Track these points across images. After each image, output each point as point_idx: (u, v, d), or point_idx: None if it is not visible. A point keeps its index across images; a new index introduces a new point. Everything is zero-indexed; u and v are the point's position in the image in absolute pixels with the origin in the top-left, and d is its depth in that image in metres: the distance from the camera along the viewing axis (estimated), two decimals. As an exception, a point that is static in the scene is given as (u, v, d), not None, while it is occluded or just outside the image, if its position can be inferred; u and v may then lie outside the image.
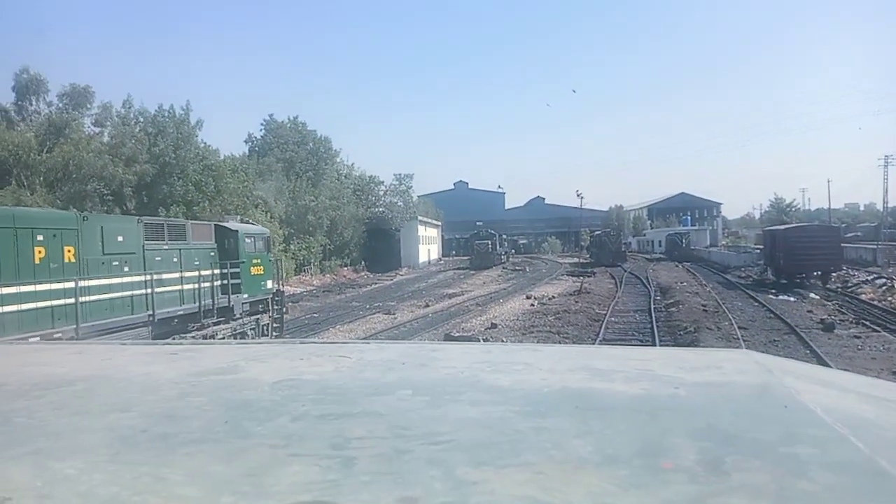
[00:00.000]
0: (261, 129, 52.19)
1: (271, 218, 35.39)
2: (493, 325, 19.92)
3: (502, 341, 15.76)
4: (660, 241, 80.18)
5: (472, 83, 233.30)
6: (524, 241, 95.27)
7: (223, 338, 15.07)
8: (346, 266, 49.58)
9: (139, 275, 12.98)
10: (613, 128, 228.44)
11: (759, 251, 47.27)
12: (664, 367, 1.91)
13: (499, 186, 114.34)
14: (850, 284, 31.71)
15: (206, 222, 17.60)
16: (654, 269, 48.46)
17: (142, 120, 29.68)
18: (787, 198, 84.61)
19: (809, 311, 22.59)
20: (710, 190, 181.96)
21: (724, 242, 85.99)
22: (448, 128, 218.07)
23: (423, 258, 61.07)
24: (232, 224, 17.39)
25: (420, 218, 61.18)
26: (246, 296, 16.45)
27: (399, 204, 57.26)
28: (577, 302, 26.13)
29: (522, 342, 16.11)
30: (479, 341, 14.48)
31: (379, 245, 54.21)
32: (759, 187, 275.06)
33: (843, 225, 62.66)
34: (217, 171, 28.34)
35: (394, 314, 24.43)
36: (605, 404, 1.50)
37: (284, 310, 18.98)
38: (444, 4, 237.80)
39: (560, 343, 16.16)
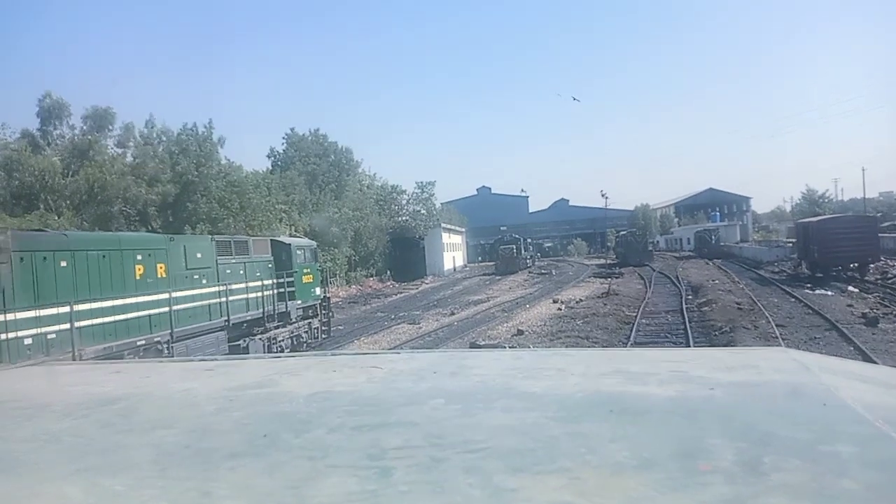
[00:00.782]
0: (282, 144, 52.52)
1: (295, 231, 35.53)
2: (520, 332, 19.54)
3: (529, 348, 15.38)
4: (689, 239, 78.94)
5: (491, 88, 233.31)
6: (550, 245, 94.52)
7: (283, 339, 17.30)
8: (371, 276, 49.54)
9: (214, 286, 14.81)
10: (636, 126, 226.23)
11: (791, 245, 46.11)
12: (698, 367, 1.87)
13: (522, 190, 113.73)
14: (889, 276, 30.58)
15: (263, 237, 19.45)
16: (683, 267, 47.52)
17: (164, 139, 30.06)
18: (819, 189, 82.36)
19: (849, 305, 21.74)
20: (738, 184, 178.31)
21: (754, 237, 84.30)
22: (469, 134, 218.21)
23: (448, 265, 60.79)
24: (285, 238, 19.64)
25: (443, 225, 60.93)
26: (299, 302, 18.29)
27: (422, 212, 57.10)
28: (605, 304, 25.59)
29: (550, 348, 15.70)
30: (505, 349, 14.16)
31: (403, 254, 54.11)
32: (790, 180, 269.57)
33: (879, 214, 60.77)
34: (240, 187, 28.50)
35: (418, 324, 24.18)
36: (640, 408, 1.48)
37: (331, 314, 21.00)
38: (460, 11, 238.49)
39: (590, 348, 15.72)
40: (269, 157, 52.38)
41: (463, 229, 75.32)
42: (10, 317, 10.11)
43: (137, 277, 12.80)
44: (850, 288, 26.58)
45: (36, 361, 8.77)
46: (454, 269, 62.61)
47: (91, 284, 11.70)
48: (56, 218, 23.88)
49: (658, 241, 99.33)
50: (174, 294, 13.33)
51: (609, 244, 73.24)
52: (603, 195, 78.54)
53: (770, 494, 0.94)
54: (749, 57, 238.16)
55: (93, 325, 11.46)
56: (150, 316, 12.84)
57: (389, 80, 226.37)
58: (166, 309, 13.08)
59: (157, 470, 1.25)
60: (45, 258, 11.14)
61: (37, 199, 23.19)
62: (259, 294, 16.26)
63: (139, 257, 13.04)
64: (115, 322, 11.99)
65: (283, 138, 52.54)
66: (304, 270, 18.74)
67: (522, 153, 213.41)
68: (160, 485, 1.16)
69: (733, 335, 17.20)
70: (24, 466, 1.35)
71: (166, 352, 12.99)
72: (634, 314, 22.72)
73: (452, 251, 65.82)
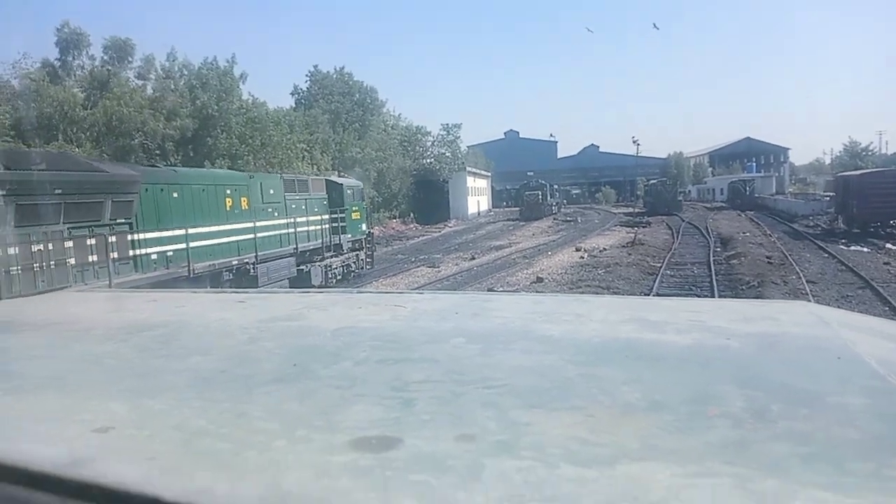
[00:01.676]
0: (306, 81, 51.41)
1: (317, 170, 35.08)
2: (539, 279, 19.09)
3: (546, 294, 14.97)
4: (721, 189, 76.89)
5: (522, 29, 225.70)
6: (577, 192, 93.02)
7: (336, 267, 19.67)
8: (394, 218, 49.25)
9: (283, 219, 16.94)
10: (672, 70, 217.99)
11: (829, 199, 44.47)
12: (717, 318, 1.87)
13: (550, 135, 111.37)
14: (932, 234, 29.23)
15: (319, 177, 21.89)
16: (714, 218, 46.25)
17: (186, 73, 29.41)
18: (863, 141, 78.72)
19: (886, 264, 20.78)
20: (777, 134, 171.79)
21: (790, 190, 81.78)
22: (498, 77, 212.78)
23: (472, 210, 60.17)
24: (336, 179, 21.95)
25: (469, 169, 59.92)
26: (349, 236, 20.59)
27: (447, 155, 56.04)
28: (629, 254, 24.94)
29: (570, 294, 15.27)
30: (526, 294, 13.80)
31: (427, 196, 53.50)
32: (831, 131, 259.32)
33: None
34: (261, 123, 27.91)
35: (437, 267, 23.87)
36: (655, 354, 1.50)
37: (374, 247, 23.77)
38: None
39: (610, 295, 15.25)
40: (292, 94, 51.45)
41: (489, 173, 74.18)
42: (140, 236, 12.50)
43: (227, 209, 14.86)
44: (889, 245, 25.45)
45: (79, 288, 9.62)
46: (478, 214, 61.99)
47: (195, 213, 13.82)
48: (76, 149, 23.75)
49: (690, 191, 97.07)
50: (257, 224, 15.61)
51: (639, 193, 71.67)
52: (634, 142, 76.39)
53: (775, 440, 0.96)
54: (792, 2, 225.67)
55: (198, 247, 13.61)
56: (238, 241, 15.04)
57: (416, 19, 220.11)
58: (250, 236, 15.27)
59: (194, 392, 1.31)
60: (162, 189, 13.15)
61: (56, 130, 22.97)
62: (318, 227, 18.56)
63: (228, 192, 15.00)
64: (213, 245, 14.22)
65: (307, 76, 51.38)
66: (353, 208, 21.05)
67: (552, 97, 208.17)
68: (197, 405, 1.22)
69: (761, 290, 16.54)
70: (72, 385, 1.45)
71: (252, 272, 15.27)
72: (659, 265, 22.08)
73: (477, 195, 65.04)
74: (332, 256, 19.35)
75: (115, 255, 11.68)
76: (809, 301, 12.86)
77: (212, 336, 1.96)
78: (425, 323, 2.01)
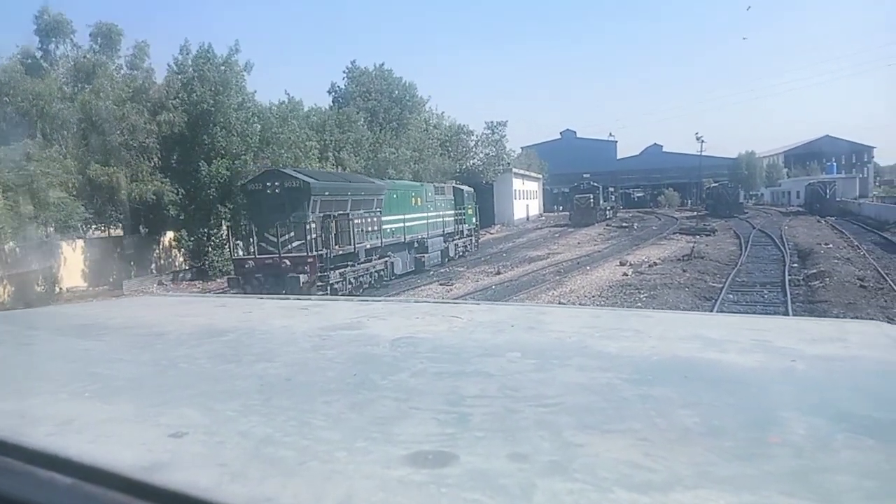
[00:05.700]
0: (344, 79, 48.80)
1: (342, 169, 32.29)
2: (562, 305, 15.35)
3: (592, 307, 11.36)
4: (798, 192, 70.08)
5: (577, 23, 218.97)
6: (640, 195, 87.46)
7: (460, 247, 28.84)
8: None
9: (434, 211, 25.44)
10: (741, 60, 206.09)
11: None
12: (782, 337, 1.86)
13: (610, 135, 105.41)
14: None
15: (449, 184, 30.37)
16: (790, 225, 40.82)
17: (201, 65, 26.92)
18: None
19: None
20: (860, 132, 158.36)
21: (875, 193, 74.30)
22: (553, 74, 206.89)
23: (519, 214, 56.25)
24: (459, 186, 31.02)
25: (515, 170, 55.97)
26: (467, 225, 29.86)
27: (493, 155, 52.27)
28: (684, 270, 20.71)
29: (630, 308, 11.64)
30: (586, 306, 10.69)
31: (469, 200, 50.03)
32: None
33: None
34: (265, 120, 25.28)
35: (451, 285, 20.41)
36: (716, 375, 1.48)
37: (479, 235, 33.83)
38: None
39: (670, 310, 11.47)
40: (330, 92, 48.94)
41: (540, 175, 69.96)
42: (385, 219, 20.83)
43: (412, 205, 23.41)
44: None
45: (152, 292, 13.22)
46: (527, 219, 57.99)
47: (402, 207, 22.40)
48: (62, 149, 21.59)
49: (762, 194, 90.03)
50: (426, 214, 24.36)
51: (704, 196, 66.41)
52: (698, 139, 70.70)
53: (837, 471, 0.93)
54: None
55: (405, 226, 22.30)
56: (417, 224, 23.42)
57: (468, 18, 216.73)
58: (424, 221, 24.09)
59: (261, 399, 1.33)
60: (390, 192, 21.85)
61: (34, 128, 20.82)
62: (451, 218, 27.36)
63: (413, 194, 23.79)
64: (409, 226, 22.60)
65: (344, 73, 48.76)
66: (468, 206, 30.06)
67: (611, 93, 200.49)
68: (264, 412, 1.24)
69: (857, 328, 12.34)
70: (149, 388, 1.48)
71: (426, 243, 23.96)
72: (720, 286, 17.92)
73: (526, 199, 61.03)
74: (458, 239, 28.33)
75: (377, 228, 20.12)
76: (882, 321, 9.01)
77: (277, 342, 2.00)
78: (481, 335, 2.00)
